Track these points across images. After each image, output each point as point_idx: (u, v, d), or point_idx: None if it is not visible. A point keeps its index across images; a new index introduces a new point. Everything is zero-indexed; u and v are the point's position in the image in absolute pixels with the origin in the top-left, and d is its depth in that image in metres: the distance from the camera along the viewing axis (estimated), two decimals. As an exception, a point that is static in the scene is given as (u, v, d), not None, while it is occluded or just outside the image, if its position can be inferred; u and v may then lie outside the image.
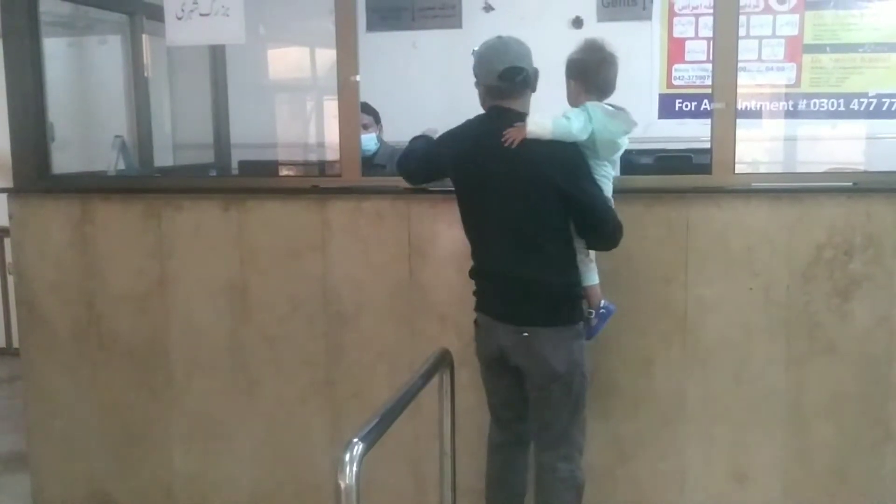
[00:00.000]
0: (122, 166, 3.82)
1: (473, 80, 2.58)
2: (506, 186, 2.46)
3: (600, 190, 2.49)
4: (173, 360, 3.16)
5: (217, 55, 4.52)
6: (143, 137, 4.20)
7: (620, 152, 2.58)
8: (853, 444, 2.75)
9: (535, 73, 2.53)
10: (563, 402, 2.53)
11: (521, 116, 2.47)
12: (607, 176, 2.53)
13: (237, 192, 3.10)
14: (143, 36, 4.19)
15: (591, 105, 2.48)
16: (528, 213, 2.46)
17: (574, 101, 2.57)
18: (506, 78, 2.47)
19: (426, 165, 2.70)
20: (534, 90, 2.55)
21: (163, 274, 3.13)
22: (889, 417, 2.70)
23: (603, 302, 2.57)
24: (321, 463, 3.02)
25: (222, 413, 3.15)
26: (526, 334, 2.48)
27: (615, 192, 2.59)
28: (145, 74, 4.23)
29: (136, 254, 3.15)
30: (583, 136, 2.44)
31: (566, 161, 2.45)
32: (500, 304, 2.54)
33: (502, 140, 2.43)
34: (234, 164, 4.33)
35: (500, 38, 2.54)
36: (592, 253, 2.56)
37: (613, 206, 2.51)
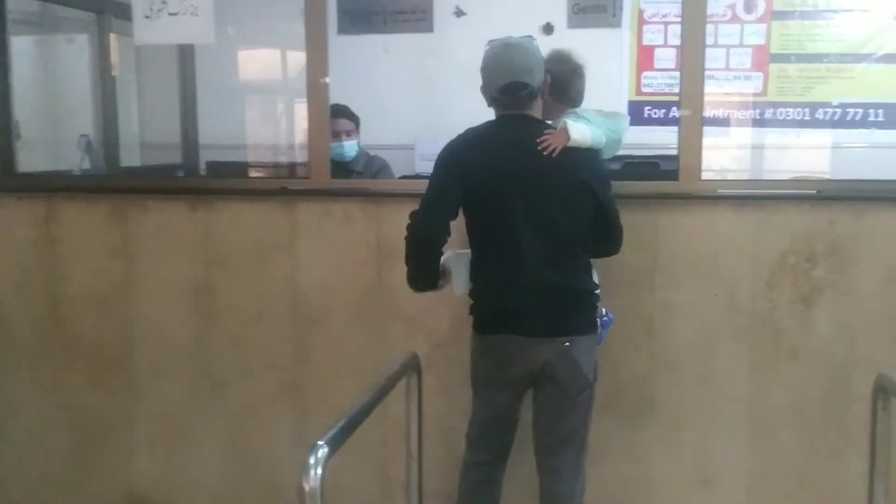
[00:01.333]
0: (87, 166, 3.77)
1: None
2: (546, 194, 2.40)
3: None
4: (137, 361, 3.12)
5: (186, 55, 4.48)
6: (110, 137, 4.15)
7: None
8: (815, 449, 2.79)
9: (546, 80, 2.46)
10: (587, 411, 2.53)
11: (543, 123, 2.44)
12: None
13: (205, 192, 3.07)
14: (111, 35, 4.15)
15: (583, 111, 2.50)
16: (568, 221, 2.42)
17: (548, 114, 2.54)
18: (509, 93, 2.41)
19: (446, 214, 2.43)
20: (545, 96, 2.49)
21: (128, 275, 3.09)
22: (850, 423, 2.74)
23: (604, 310, 2.57)
24: (286, 466, 2.99)
25: (186, 415, 3.11)
26: (567, 344, 2.42)
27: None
28: (113, 73, 4.18)
29: (100, 254, 3.11)
30: (603, 143, 2.48)
31: (599, 169, 2.48)
32: (540, 317, 2.42)
33: (540, 148, 2.37)
34: (203, 165, 4.29)
35: (507, 45, 2.44)
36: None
37: None
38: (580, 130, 2.40)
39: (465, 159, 2.44)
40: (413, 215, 2.43)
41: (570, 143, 2.38)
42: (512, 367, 2.47)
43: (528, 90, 2.41)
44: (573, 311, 2.47)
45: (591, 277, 2.52)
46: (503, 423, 2.57)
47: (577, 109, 2.51)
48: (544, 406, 2.52)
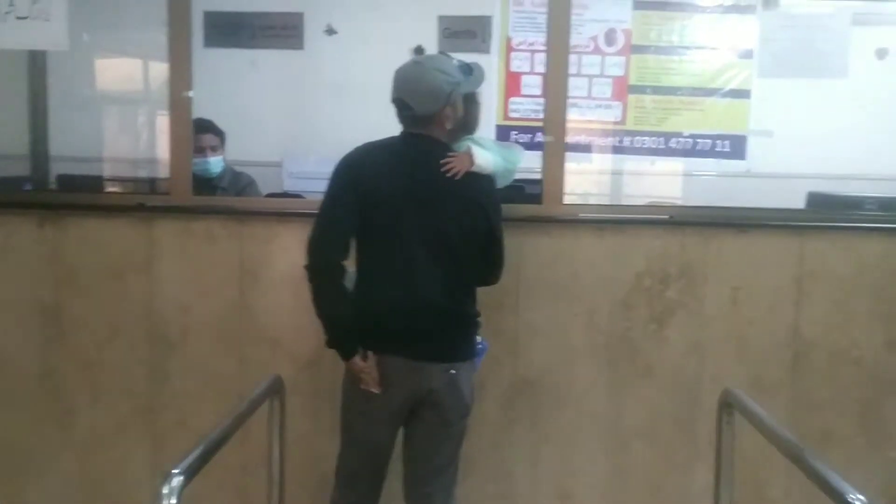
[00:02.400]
0: (-80, 176, 3.48)
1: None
2: (441, 215, 2.37)
3: None
4: (-26, 388, 2.90)
5: (37, 61, 4.23)
6: (-52, 145, 3.86)
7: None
8: (668, 462, 2.92)
9: (437, 111, 2.36)
10: (462, 437, 2.51)
11: (445, 146, 2.41)
12: None
13: (55, 207, 2.91)
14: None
15: (480, 138, 2.51)
16: (462, 244, 2.39)
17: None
18: (396, 107, 2.40)
19: (343, 235, 2.35)
20: (448, 125, 2.40)
21: (-35, 294, 2.88)
22: (699, 437, 2.89)
23: (479, 338, 2.55)
24: (141, 496, 2.85)
25: (30, 445, 2.92)
26: (453, 371, 2.39)
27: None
28: (-49, 77, 3.89)
29: (-67, 272, 2.87)
30: (499, 172, 2.49)
31: (495, 196, 2.47)
32: (429, 342, 2.37)
33: (444, 170, 2.35)
34: (53, 178, 4.05)
35: (416, 62, 2.41)
36: None
37: None
38: (484, 156, 2.42)
39: (361, 174, 2.37)
40: (310, 244, 2.33)
41: (474, 168, 2.39)
42: (394, 391, 2.38)
43: (409, 112, 2.37)
44: (459, 336, 2.46)
45: (475, 303, 2.52)
46: (380, 459, 2.49)
47: (474, 136, 2.51)
48: (422, 434, 2.47)
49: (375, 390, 2.36)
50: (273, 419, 2.38)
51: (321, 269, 2.33)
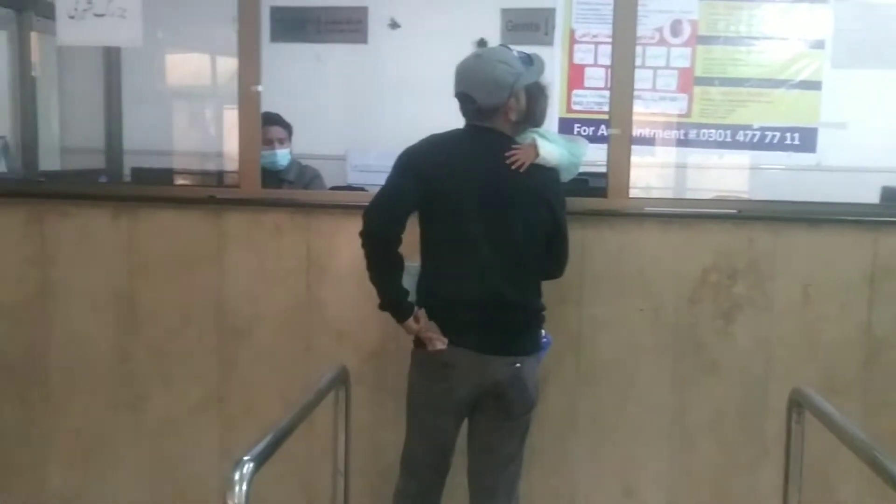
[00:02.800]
0: (3, 169, 3.63)
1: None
2: (507, 208, 2.37)
3: None
4: (53, 373, 3.01)
5: (112, 57, 4.37)
6: (29, 139, 4.01)
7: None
8: (733, 461, 2.87)
9: (501, 104, 2.37)
10: (527, 431, 2.52)
11: (511, 139, 2.41)
12: None
13: (128, 199, 2.99)
14: (32, 33, 4.01)
15: (545, 132, 2.50)
16: (527, 238, 2.39)
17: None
18: (460, 101, 2.41)
19: (400, 207, 2.35)
20: (512, 117, 2.40)
21: (44, 283, 2.99)
22: (766, 435, 2.83)
23: (543, 331, 2.55)
24: (210, 482, 2.93)
25: (105, 430, 3.01)
26: (518, 365, 2.39)
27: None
28: (33, 73, 4.04)
29: (16, 261, 2.99)
30: (564, 165, 2.49)
31: (559, 189, 2.47)
32: (495, 334, 2.37)
33: (508, 161, 2.35)
34: (127, 171, 4.18)
35: (478, 56, 2.43)
36: None
37: None
38: (548, 148, 2.41)
39: (424, 164, 2.37)
40: (366, 212, 2.35)
41: (538, 160, 2.39)
42: (460, 384, 2.38)
43: (473, 106, 2.38)
44: (525, 330, 2.45)
45: (541, 297, 2.52)
46: (444, 450, 2.49)
47: (539, 129, 2.51)
48: (486, 427, 2.47)
49: (441, 346, 2.37)
50: (339, 409, 2.42)
51: (375, 234, 2.34)
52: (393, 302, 2.39)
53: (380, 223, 2.33)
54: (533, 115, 2.50)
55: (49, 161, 4.19)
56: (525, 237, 2.40)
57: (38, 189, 3.26)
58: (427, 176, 2.35)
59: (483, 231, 2.36)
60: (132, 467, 3.02)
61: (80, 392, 3.01)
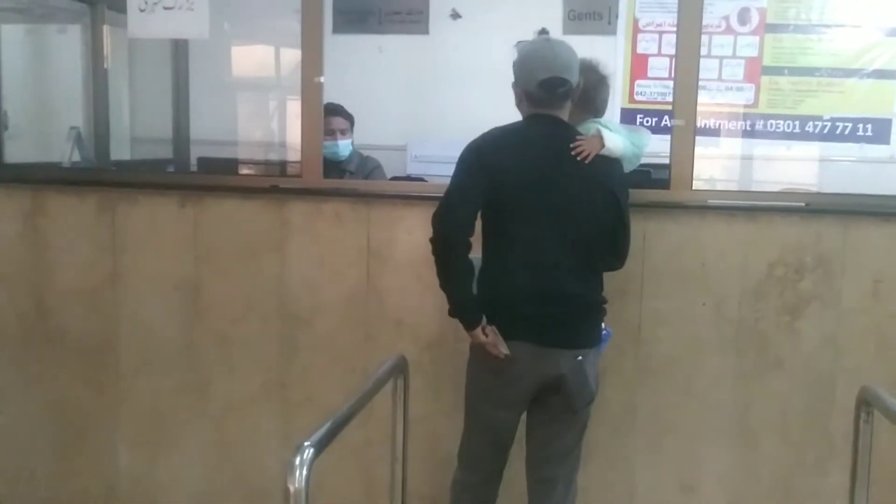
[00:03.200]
0: (77, 158, 3.74)
1: (511, 80, 2.43)
2: (573, 200, 2.36)
3: None
4: (122, 357, 3.11)
5: (179, 49, 4.46)
6: (100, 130, 4.13)
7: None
8: (798, 459, 2.81)
9: (580, 84, 2.40)
10: (586, 423, 2.52)
11: (575, 129, 2.41)
12: None
13: (195, 188, 3.06)
14: (104, 27, 4.13)
15: (607, 122, 2.49)
16: (593, 230, 2.39)
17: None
18: (546, 88, 2.33)
19: (471, 210, 2.35)
20: (574, 101, 2.43)
21: (115, 269, 3.08)
22: (833, 433, 2.76)
23: (603, 324, 2.55)
24: (270, 466, 2.99)
25: (171, 412, 3.10)
26: (580, 358, 2.38)
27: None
28: (105, 66, 4.15)
29: (87, 248, 3.09)
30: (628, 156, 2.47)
31: (624, 180, 2.46)
32: (558, 328, 2.37)
33: (574, 153, 2.33)
34: (193, 161, 4.28)
35: (548, 41, 2.44)
36: None
37: None
38: (613, 139, 2.38)
39: (490, 158, 2.35)
40: (436, 217, 2.35)
41: (603, 151, 2.36)
42: (522, 377, 2.38)
43: (567, 87, 2.35)
44: (587, 323, 2.44)
45: (602, 289, 2.50)
46: (504, 442, 2.50)
47: (601, 120, 2.49)
48: (546, 419, 2.48)
49: (502, 354, 2.35)
50: (397, 398, 2.44)
51: (446, 241, 2.33)
52: (464, 310, 2.38)
53: (451, 229, 2.32)
54: (594, 104, 2.50)
55: (120, 151, 4.31)
56: (590, 230, 2.38)
57: (109, 178, 3.36)
58: (493, 170, 2.33)
59: (548, 224, 2.35)
60: (196, 450, 3.10)
61: (148, 375, 3.10)
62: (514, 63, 2.42)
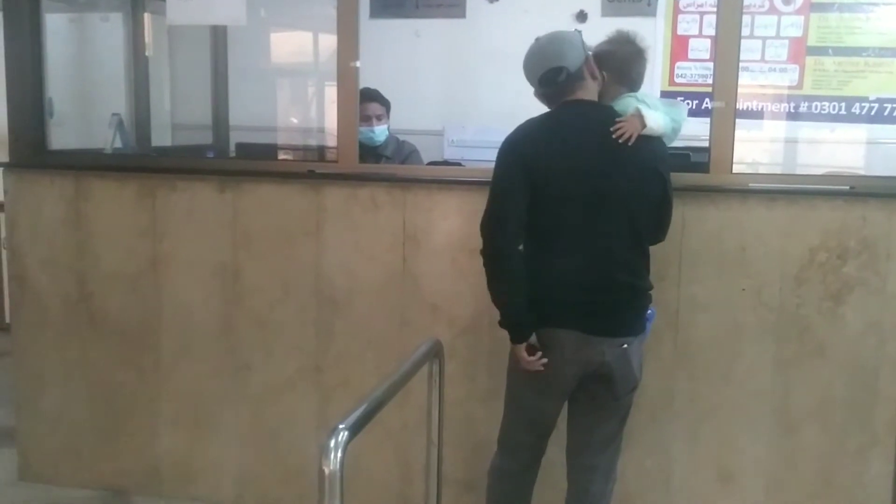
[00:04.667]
0: (118, 144, 3.80)
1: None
2: (619, 185, 2.30)
3: None
4: (163, 340, 3.16)
5: (218, 36, 4.50)
6: (142, 116, 4.19)
7: None
8: (839, 448, 2.76)
9: (587, 60, 2.35)
10: (628, 411, 2.50)
11: (608, 108, 2.37)
12: None
13: (233, 174, 3.09)
14: (145, 14, 4.18)
15: (644, 97, 2.43)
16: (641, 213, 2.35)
17: (606, 95, 2.45)
18: (545, 83, 2.36)
19: (520, 218, 2.30)
20: (596, 77, 2.38)
21: (155, 254, 3.13)
22: (876, 422, 2.71)
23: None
24: (307, 448, 3.02)
25: (210, 395, 3.15)
26: (625, 346, 2.34)
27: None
28: (146, 53, 4.21)
29: (129, 233, 3.14)
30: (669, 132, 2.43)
31: (667, 158, 2.41)
32: (603, 316, 2.32)
33: (615, 136, 2.28)
34: (232, 147, 4.32)
35: (536, 41, 2.42)
36: None
37: None
38: (654, 118, 2.31)
39: (528, 150, 2.31)
40: (484, 228, 2.31)
41: (645, 131, 2.31)
42: (565, 366, 2.34)
43: (565, 73, 2.32)
44: (633, 310, 2.39)
45: (649, 275, 2.44)
46: (545, 430, 2.48)
47: (637, 94, 2.44)
48: (589, 406, 2.45)
49: (537, 369, 2.34)
50: (432, 382, 2.44)
51: (499, 253, 2.30)
52: (516, 325, 2.34)
53: (503, 241, 2.30)
54: (629, 77, 2.45)
55: (161, 137, 4.36)
56: (639, 213, 2.34)
57: (150, 164, 3.40)
58: (532, 164, 2.29)
59: (595, 211, 2.29)
60: (234, 432, 3.15)
61: (188, 359, 3.15)
62: (523, 69, 2.44)
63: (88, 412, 3.26)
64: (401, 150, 3.76)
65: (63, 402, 3.27)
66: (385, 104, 3.73)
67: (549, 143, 2.32)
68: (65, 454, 3.30)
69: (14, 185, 3.23)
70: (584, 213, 2.30)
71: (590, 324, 2.30)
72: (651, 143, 2.35)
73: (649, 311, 2.48)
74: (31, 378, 3.29)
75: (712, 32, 3.52)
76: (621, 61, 2.45)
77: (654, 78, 4.52)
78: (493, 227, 2.30)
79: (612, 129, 2.30)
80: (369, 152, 3.55)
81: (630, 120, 2.31)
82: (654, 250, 2.69)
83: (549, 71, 2.34)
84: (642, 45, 2.50)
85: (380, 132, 3.66)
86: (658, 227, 2.48)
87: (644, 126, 2.30)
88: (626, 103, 2.39)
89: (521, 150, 2.32)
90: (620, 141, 2.28)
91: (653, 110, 2.35)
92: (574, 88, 2.36)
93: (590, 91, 2.39)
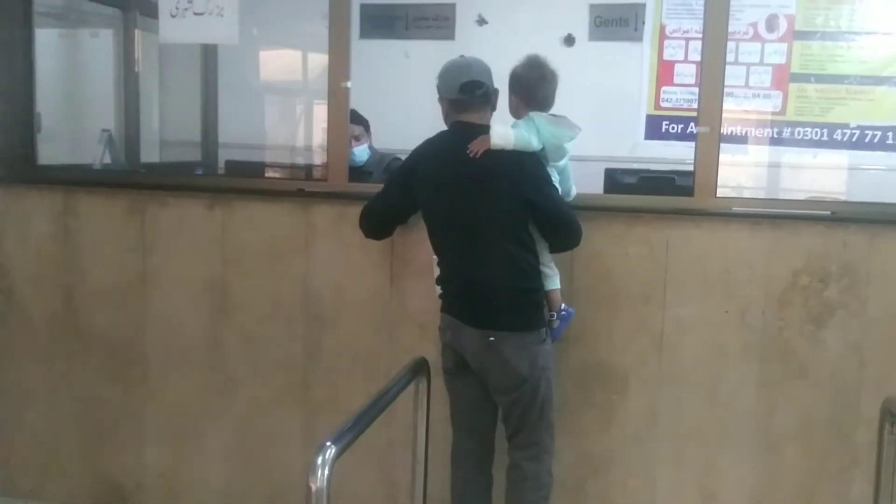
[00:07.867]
0: (108, 160, 3.81)
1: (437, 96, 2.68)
2: (473, 196, 2.53)
3: (560, 194, 2.62)
4: (150, 356, 3.16)
5: (209, 54, 4.53)
6: (131, 132, 4.21)
7: (567, 157, 2.65)
8: (821, 469, 2.79)
9: (496, 91, 2.63)
10: (530, 406, 2.58)
11: (484, 129, 2.53)
12: (553, 181, 2.62)
13: (222, 191, 3.10)
14: (136, 31, 4.20)
15: (534, 115, 2.57)
16: (495, 220, 2.53)
17: (515, 113, 2.66)
18: (466, 91, 2.56)
19: (384, 216, 2.75)
20: (494, 108, 2.65)
21: (144, 270, 3.13)
22: (857, 444, 2.74)
23: (563, 305, 2.64)
24: (293, 465, 3.02)
25: (197, 411, 3.14)
26: (492, 339, 2.52)
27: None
28: (136, 70, 4.23)
29: (117, 248, 3.14)
30: (539, 146, 2.53)
31: (531, 170, 2.55)
32: (471, 307, 2.58)
33: (467, 152, 2.50)
34: (221, 164, 4.33)
35: (462, 56, 2.65)
36: (552, 259, 2.63)
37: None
38: (501, 134, 2.50)
39: (412, 168, 2.67)
40: (361, 214, 2.73)
41: (492, 147, 2.47)
42: (448, 347, 2.64)
43: (484, 89, 2.57)
44: (500, 307, 2.54)
45: (532, 276, 2.56)
46: (465, 408, 2.70)
47: (533, 114, 2.57)
48: (492, 401, 2.66)
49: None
50: (419, 399, 2.46)
51: (369, 237, 2.78)
52: None
53: (365, 229, 2.76)
54: (535, 99, 2.62)
55: (150, 153, 4.37)
56: (493, 220, 2.53)
57: (139, 180, 3.42)
58: (414, 179, 2.64)
59: (457, 220, 2.57)
60: (221, 447, 3.14)
61: (175, 374, 3.15)
62: (437, 79, 2.66)
63: (74, 427, 3.24)
64: (381, 163, 3.76)
65: (48, 416, 3.25)
66: (363, 123, 3.72)
67: (431, 162, 2.63)
68: (49, 469, 3.28)
69: (2, 200, 3.23)
70: (454, 219, 2.58)
71: (462, 312, 2.60)
72: (508, 157, 2.51)
73: (564, 312, 2.63)
74: (15, 393, 3.27)
75: (698, 58, 3.57)
76: (528, 84, 2.63)
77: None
78: (361, 218, 2.75)
79: (468, 145, 2.51)
80: (354, 172, 3.54)
81: (480, 139, 2.50)
82: (640, 272, 2.74)
83: (473, 82, 2.57)
84: (549, 69, 2.64)
85: (360, 152, 3.65)
86: (553, 233, 2.59)
87: (490, 143, 2.48)
88: (522, 122, 2.56)
89: (409, 162, 2.72)
90: (470, 156, 2.49)
91: (508, 128, 2.52)
92: (476, 107, 2.60)
93: (483, 117, 2.62)
